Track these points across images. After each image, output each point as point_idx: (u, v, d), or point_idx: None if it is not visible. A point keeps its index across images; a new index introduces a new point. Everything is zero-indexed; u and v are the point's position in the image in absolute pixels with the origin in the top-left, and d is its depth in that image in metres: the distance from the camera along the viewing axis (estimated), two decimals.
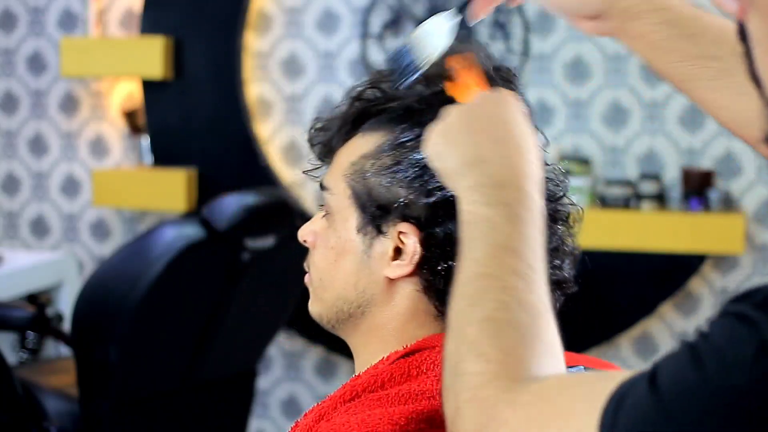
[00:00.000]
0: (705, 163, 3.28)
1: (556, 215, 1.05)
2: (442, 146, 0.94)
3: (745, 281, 3.29)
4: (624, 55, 3.31)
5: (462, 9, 1.03)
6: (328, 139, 1.09)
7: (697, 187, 3.20)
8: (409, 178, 1.01)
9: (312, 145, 1.11)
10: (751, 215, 3.26)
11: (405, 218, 1.01)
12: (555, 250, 1.04)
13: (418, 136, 1.01)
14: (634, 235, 3.18)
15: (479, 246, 0.86)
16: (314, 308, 1.10)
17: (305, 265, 1.11)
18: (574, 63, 3.35)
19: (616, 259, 3.24)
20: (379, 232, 1.03)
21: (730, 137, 3.26)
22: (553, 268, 1.03)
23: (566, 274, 1.06)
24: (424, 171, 1.00)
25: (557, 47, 3.36)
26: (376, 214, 1.02)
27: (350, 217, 1.05)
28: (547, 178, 1.04)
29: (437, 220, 1.00)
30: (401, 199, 1.01)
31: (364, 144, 1.05)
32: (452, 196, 0.96)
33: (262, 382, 3.63)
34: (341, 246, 1.05)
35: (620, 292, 3.31)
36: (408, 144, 1.02)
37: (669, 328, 3.36)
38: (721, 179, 3.27)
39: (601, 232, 3.19)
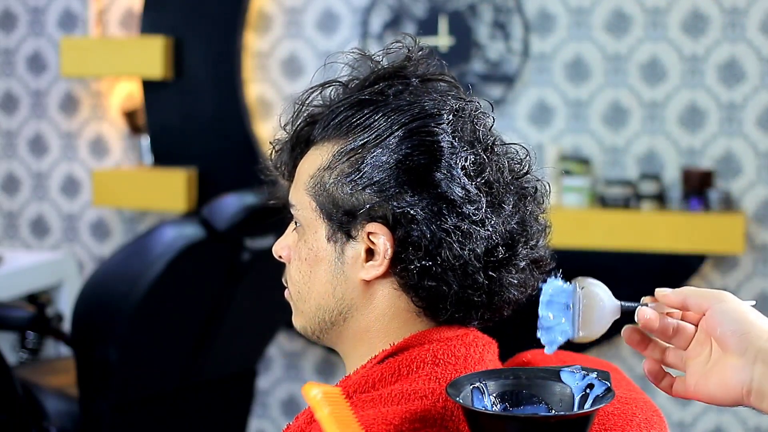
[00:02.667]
0: (705, 163, 3.28)
1: (523, 192, 1.06)
2: None
3: (745, 281, 3.29)
4: (624, 55, 3.31)
5: (627, 312, 1.01)
6: (286, 160, 1.12)
7: (697, 187, 3.20)
8: (369, 180, 1.02)
9: (275, 168, 1.14)
10: (751, 215, 3.26)
11: (372, 219, 1.02)
12: (528, 229, 1.05)
13: (369, 137, 1.03)
14: (634, 235, 3.18)
15: None
16: (297, 322, 1.11)
17: (283, 280, 1.13)
18: (574, 63, 3.35)
19: (616, 259, 3.24)
20: (349, 237, 1.04)
21: (730, 137, 3.26)
22: (530, 248, 1.05)
23: (542, 253, 1.07)
24: (382, 170, 1.02)
25: (557, 47, 3.36)
26: (344, 220, 1.03)
27: (319, 228, 1.06)
28: (509, 155, 1.06)
29: (403, 215, 1.01)
30: (366, 203, 1.02)
31: (318, 156, 1.07)
32: (412, 188, 0.99)
33: (262, 382, 3.63)
34: (314, 256, 1.06)
35: (620, 292, 3.30)
36: (361, 147, 1.03)
37: None
38: (721, 179, 3.27)
39: (601, 232, 3.19)
